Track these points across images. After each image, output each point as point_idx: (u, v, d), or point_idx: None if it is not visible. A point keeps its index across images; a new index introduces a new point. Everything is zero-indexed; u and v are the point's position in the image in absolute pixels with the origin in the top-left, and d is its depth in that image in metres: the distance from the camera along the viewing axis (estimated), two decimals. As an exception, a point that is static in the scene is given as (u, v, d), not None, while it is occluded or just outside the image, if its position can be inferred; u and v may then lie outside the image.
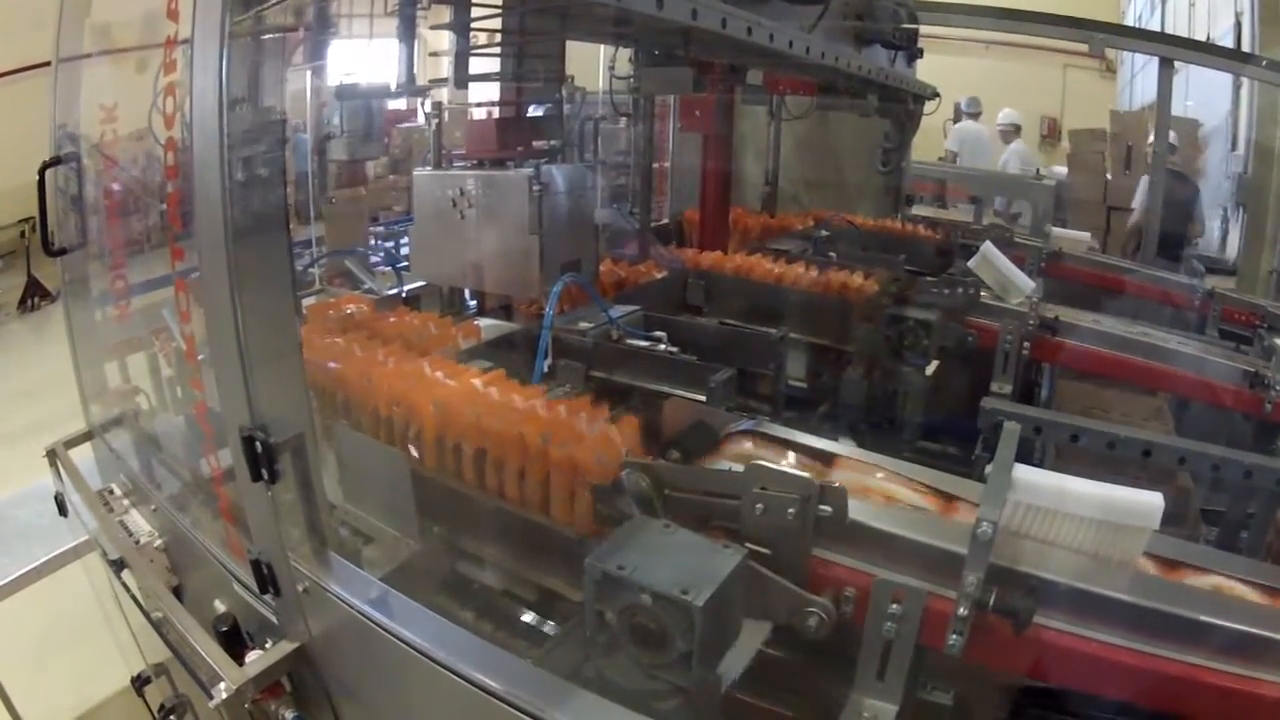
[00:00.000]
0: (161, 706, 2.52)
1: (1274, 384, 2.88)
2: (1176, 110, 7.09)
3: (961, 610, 1.36)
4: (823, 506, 1.48)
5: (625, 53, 3.75)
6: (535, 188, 2.77)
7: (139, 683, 2.73)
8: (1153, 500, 1.41)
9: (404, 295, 3.15)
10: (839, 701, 1.52)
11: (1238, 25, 7.40)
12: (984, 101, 9.67)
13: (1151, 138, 6.72)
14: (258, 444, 1.67)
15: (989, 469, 1.51)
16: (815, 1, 2.93)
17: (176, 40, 1.82)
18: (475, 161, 2.94)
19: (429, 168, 2.97)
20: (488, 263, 2.88)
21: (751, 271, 3.61)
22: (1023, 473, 1.47)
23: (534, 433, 1.94)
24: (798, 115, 4.95)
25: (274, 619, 1.90)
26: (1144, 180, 7.43)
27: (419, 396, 2.14)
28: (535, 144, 3.07)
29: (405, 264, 3.76)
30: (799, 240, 4.54)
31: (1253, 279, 6.32)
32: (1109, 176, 8.29)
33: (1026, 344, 3.16)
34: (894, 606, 1.43)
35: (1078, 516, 1.43)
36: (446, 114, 3.18)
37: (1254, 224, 6.60)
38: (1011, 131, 9.47)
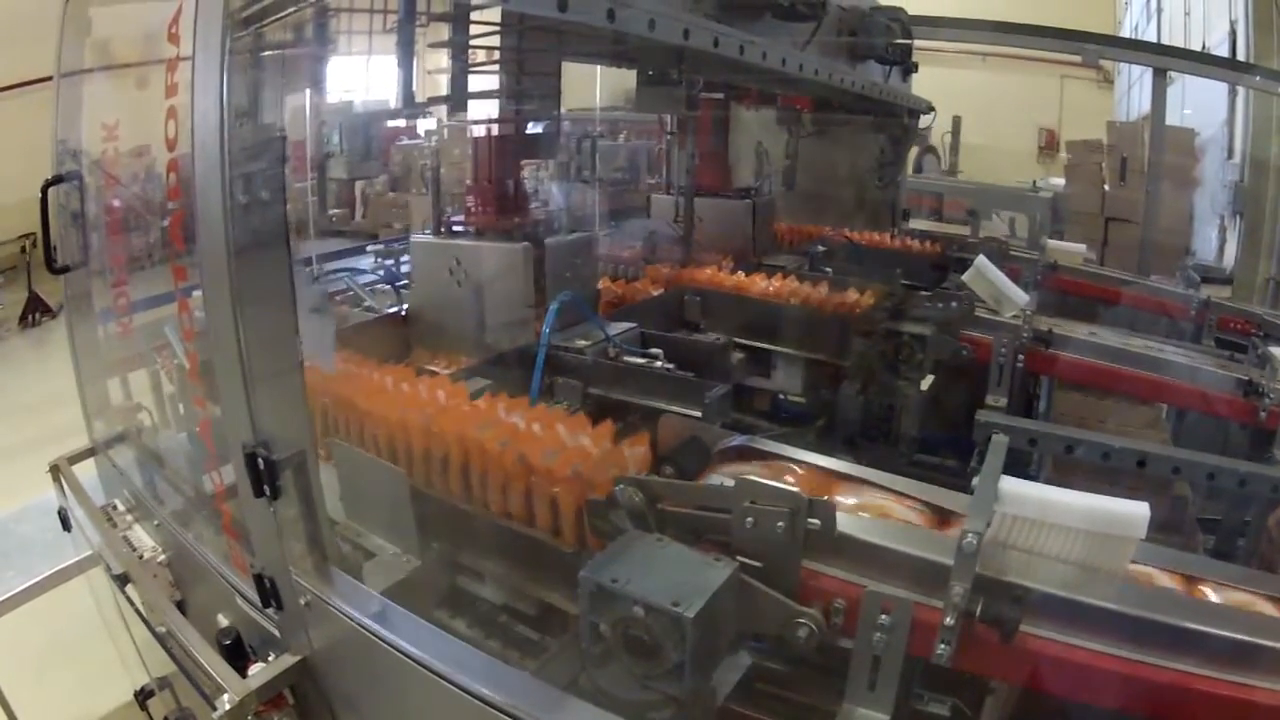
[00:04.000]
0: (165, 719, 2.55)
1: (1268, 392, 2.89)
2: (1173, 119, 7.14)
3: (949, 620, 1.38)
4: (811, 520, 1.50)
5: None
6: (532, 259, 2.78)
7: (142, 696, 2.76)
8: (1138, 510, 1.42)
9: (403, 314, 3.15)
10: (831, 712, 1.55)
11: (1232, 34, 7.42)
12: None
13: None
14: (260, 460, 1.70)
15: (975, 480, 1.53)
16: (808, 18, 2.95)
17: (178, 60, 1.86)
18: (476, 230, 2.94)
19: (428, 232, 2.96)
20: (487, 331, 2.85)
21: (749, 288, 3.63)
22: (1009, 484, 1.49)
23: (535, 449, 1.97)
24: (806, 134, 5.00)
25: (276, 632, 1.93)
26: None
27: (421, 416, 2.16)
28: (533, 213, 3.06)
29: (404, 283, 3.77)
30: (796, 256, 4.56)
31: (1249, 288, 6.34)
32: (1106, 188, 8.30)
33: (1021, 357, 3.17)
34: (883, 617, 1.45)
35: (1064, 527, 1.44)
36: (445, 132, 3.20)
37: (1250, 232, 6.62)
38: None
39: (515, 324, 2.81)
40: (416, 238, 3.05)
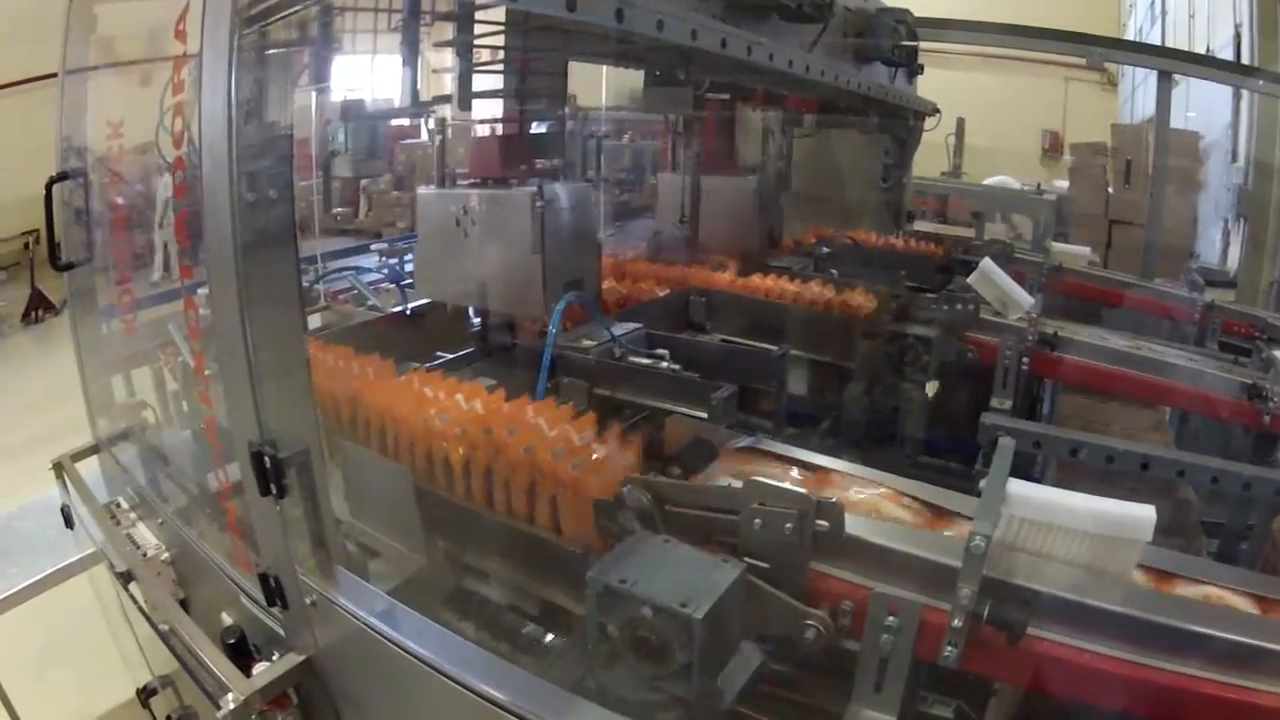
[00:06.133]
0: (168, 718, 2.54)
1: (1272, 396, 2.89)
2: (1177, 122, 7.11)
3: (956, 622, 1.38)
4: (820, 521, 1.50)
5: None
6: (538, 204, 2.77)
7: (145, 694, 2.75)
8: (1145, 513, 1.42)
9: (409, 312, 3.15)
10: (837, 714, 1.54)
11: (1237, 37, 7.41)
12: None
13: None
14: (266, 459, 1.70)
15: (983, 483, 1.53)
16: (814, 20, 2.94)
17: (185, 58, 1.85)
18: (479, 180, 2.94)
19: (433, 186, 2.96)
20: (491, 281, 2.87)
21: (753, 289, 3.63)
22: (1016, 487, 1.48)
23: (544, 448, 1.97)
24: (805, 134, 4.99)
25: (281, 631, 1.93)
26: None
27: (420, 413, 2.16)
28: (538, 163, 3.06)
29: (409, 281, 3.77)
30: (800, 257, 4.56)
31: (1253, 291, 6.33)
32: (1110, 190, 8.29)
33: (1026, 359, 3.17)
34: (890, 619, 1.45)
35: (1071, 530, 1.44)
36: (450, 130, 3.19)
37: (1254, 236, 6.61)
38: None
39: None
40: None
